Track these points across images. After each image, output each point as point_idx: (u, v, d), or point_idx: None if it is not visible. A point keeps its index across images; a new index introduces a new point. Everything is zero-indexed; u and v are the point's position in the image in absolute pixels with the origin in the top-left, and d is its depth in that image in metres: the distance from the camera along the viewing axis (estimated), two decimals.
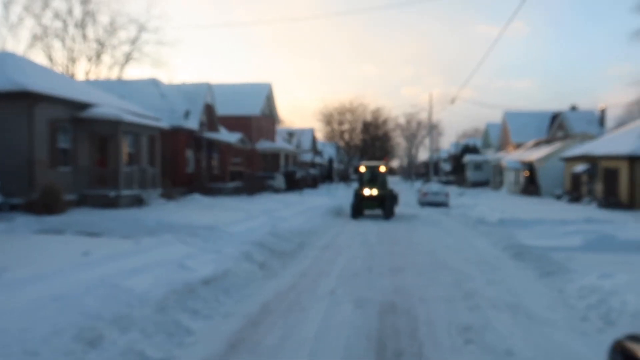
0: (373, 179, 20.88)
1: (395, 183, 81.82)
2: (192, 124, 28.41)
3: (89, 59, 47.21)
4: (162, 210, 17.25)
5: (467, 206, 25.62)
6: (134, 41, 48.71)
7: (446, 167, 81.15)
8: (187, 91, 30.75)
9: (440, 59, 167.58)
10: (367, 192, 20.07)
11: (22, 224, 13.27)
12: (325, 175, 68.45)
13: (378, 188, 20.23)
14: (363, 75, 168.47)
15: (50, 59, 45.76)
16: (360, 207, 20.01)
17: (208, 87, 31.26)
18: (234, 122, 40.34)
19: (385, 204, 19.77)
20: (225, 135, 31.59)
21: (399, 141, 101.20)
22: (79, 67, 47.50)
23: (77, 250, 8.74)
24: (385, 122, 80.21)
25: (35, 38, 42.80)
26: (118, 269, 7.39)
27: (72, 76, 39.34)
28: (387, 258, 10.56)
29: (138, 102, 26.35)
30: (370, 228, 16.43)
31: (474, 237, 14.51)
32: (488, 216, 19.06)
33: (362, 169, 21.47)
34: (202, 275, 7.33)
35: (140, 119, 19.81)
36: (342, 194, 36.94)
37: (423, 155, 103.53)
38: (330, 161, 72.92)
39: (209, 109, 31.97)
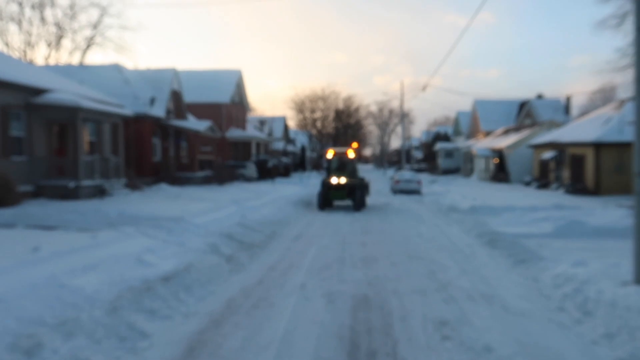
0: (341, 166, 19.50)
1: (367, 171, 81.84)
2: (158, 111, 27.42)
3: (49, 44, 45.20)
4: (126, 201, 16.51)
5: (439, 194, 25.63)
6: (95, 25, 46.84)
7: (418, 154, 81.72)
8: (153, 77, 29.63)
9: (411, 48, 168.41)
10: (334, 180, 18.38)
11: None
12: (297, 164, 67.89)
13: (347, 176, 18.70)
14: (334, 63, 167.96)
15: (7, 44, 43.66)
16: (327, 198, 18.45)
17: (174, 73, 30.21)
18: (204, 110, 39.35)
19: (355, 194, 18.16)
20: (194, 123, 30.69)
21: (371, 129, 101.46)
22: (38, 52, 45.39)
23: (26, 245, 8.07)
24: (357, 110, 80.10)
25: None
26: (69, 266, 6.80)
27: (30, 62, 37.56)
28: (359, 248, 10.24)
29: (100, 88, 25.22)
30: (342, 217, 16.12)
31: (446, 225, 14.36)
32: (460, 203, 19.01)
33: (329, 155, 19.98)
34: (162, 271, 6.83)
35: (101, 106, 18.88)
36: (314, 183, 36.53)
37: (395, 143, 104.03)
38: (303, 149, 72.32)
39: (175, 96, 30.96)
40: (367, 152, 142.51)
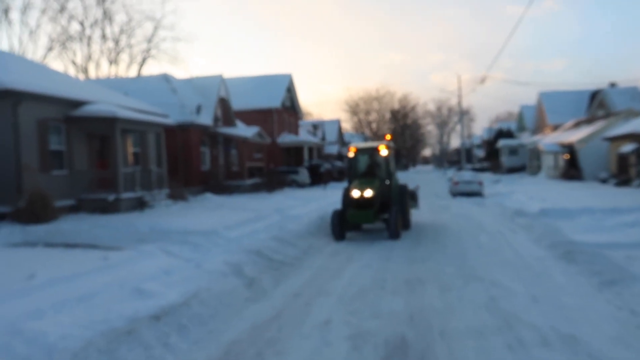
0: (370, 169, 13.24)
1: (426, 172, 79.21)
2: (205, 119, 27.03)
3: (109, 60, 46.81)
4: (164, 214, 15.84)
5: (502, 195, 23.39)
6: (150, 39, 48.06)
7: (480, 153, 77.89)
8: (200, 85, 29.38)
9: (470, 44, 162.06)
10: (356, 193, 11.95)
11: (3, 235, 12.06)
12: None
13: (377, 185, 12.28)
14: (390, 63, 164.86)
15: (74, 62, 45.56)
16: (344, 222, 11.98)
17: (221, 80, 29.79)
18: (254, 116, 38.94)
19: (390, 214, 11.78)
20: (241, 130, 30.11)
21: (430, 129, 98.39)
22: (99, 67, 46.98)
23: (26, 270, 7.28)
24: (413, 109, 77.66)
25: (54, 42, 42.54)
26: (52, 299, 5.86)
27: (85, 77, 38.76)
28: (405, 266, 8.74)
29: (147, 99, 25.12)
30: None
31: (511, 233, 12.48)
32: (527, 206, 16.89)
33: (351, 153, 13.39)
34: (158, 305, 5.72)
35: (141, 116, 18.45)
36: None
37: (456, 142, 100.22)
38: None
39: (223, 103, 30.55)
40: (427, 152, 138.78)
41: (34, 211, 13.55)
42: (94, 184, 17.06)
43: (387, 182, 12.99)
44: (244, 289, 7.26)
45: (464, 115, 76.06)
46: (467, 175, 27.76)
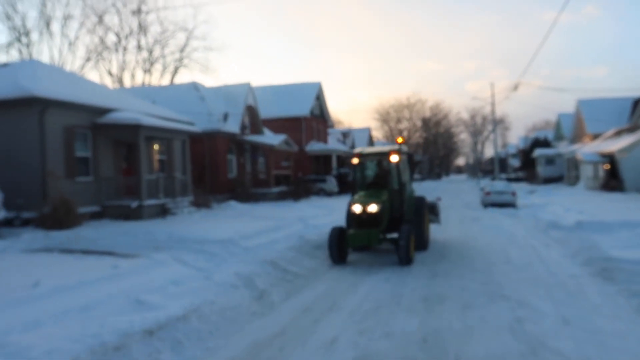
0: (378, 180, 11.45)
1: (460, 182, 77.56)
2: (232, 127, 27.07)
3: (143, 69, 47.87)
4: (184, 221, 15.73)
5: (537, 206, 22.38)
6: (183, 49, 48.91)
7: (515, 163, 75.82)
8: (228, 93, 29.50)
9: (506, 51, 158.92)
10: (357, 208, 10.11)
11: (25, 241, 12.12)
12: None
13: (383, 198, 10.25)
14: (423, 71, 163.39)
15: (110, 72, 46.80)
16: (341, 243, 10.00)
17: (249, 88, 29.84)
18: (283, 124, 38.88)
19: (401, 233, 9.56)
20: (268, 138, 30.01)
21: (463, 137, 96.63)
22: (133, 77, 48.09)
23: (33, 278, 7.14)
24: (445, 117, 76.35)
25: (91, 52, 43.80)
26: (50, 309, 5.66)
27: (131, 86, 39.65)
28: (426, 280, 8.22)
29: (176, 107, 25.33)
30: None
31: (544, 247, 11.74)
32: (562, 218, 15.98)
33: (356, 160, 11.38)
34: (155, 318, 5.43)
35: (166, 123, 18.50)
36: None
37: (490, 151, 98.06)
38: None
39: (251, 111, 30.58)
40: (461, 161, 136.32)
41: (57, 217, 13.63)
42: (119, 191, 17.16)
43: (399, 193, 10.81)
44: (252, 302, 6.92)
45: (498, 123, 74.26)
46: (499, 185, 26.80)
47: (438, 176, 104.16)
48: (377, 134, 74.51)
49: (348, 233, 9.97)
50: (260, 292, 7.44)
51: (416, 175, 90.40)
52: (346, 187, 37.03)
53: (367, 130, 66.99)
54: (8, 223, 13.88)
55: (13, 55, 39.01)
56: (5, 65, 17.74)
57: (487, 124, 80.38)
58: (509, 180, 48.92)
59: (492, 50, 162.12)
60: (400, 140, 11.80)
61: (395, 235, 10.28)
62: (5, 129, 14.63)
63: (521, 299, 6.89)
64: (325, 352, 4.99)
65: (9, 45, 39.34)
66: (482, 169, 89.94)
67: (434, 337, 5.35)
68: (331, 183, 35.75)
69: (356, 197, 10.62)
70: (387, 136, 71.91)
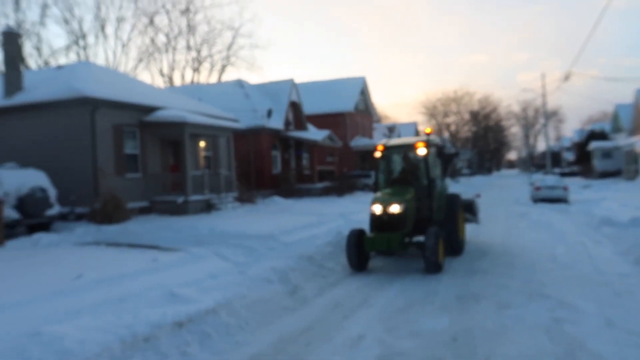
0: (403, 175, 10.07)
1: (511, 177, 75.01)
2: (276, 123, 27.36)
3: (192, 68, 49.23)
4: (227, 217, 16.05)
5: (591, 201, 21.30)
6: (229, 47, 49.86)
7: (569, 156, 72.54)
8: (272, 90, 29.84)
9: (559, 40, 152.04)
10: (377, 208, 8.90)
11: (78, 234, 12.78)
12: None
13: (407, 197, 9.00)
14: (471, 64, 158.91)
15: (161, 72, 48.47)
16: (360, 248, 8.83)
17: (293, 85, 30.05)
18: (327, 120, 38.92)
19: (427, 237, 8.37)
20: (311, 134, 30.12)
21: (514, 131, 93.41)
22: (183, 76, 49.54)
23: (77, 270, 7.51)
24: (495, 110, 74.01)
25: (142, 53, 45.46)
26: (88, 300, 5.95)
27: (181, 85, 40.89)
28: (462, 277, 7.99)
29: (222, 104, 25.92)
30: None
31: (594, 244, 11.14)
32: (617, 214, 15.13)
33: (379, 153, 10.11)
34: (186, 311, 5.55)
35: (210, 120, 18.91)
36: None
37: (544, 145, 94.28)
38: None
39: (294, 107, 30.79)
40: (512, 155, 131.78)
41: (106, 212, 14.25)
42: (166, 187, 17.73)
43: (427, 191, 9.47)
44: (284, 296, 6.96)
45: (551, 116, 71.29)
46: (550, 179, 25.70)
47: (488, 171, 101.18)
48: (424, 128, 73.54)
49: (365, 237, 8.73)
50: (293, 287, 7.47)
51: (465, 170, 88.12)
52: None
53: (414, 125, 66.03)
54: (63, 218, 14.65)
55: (71, 58, 41.09)
56: (60, 67, 18.69)
57: (539, 116, 77.27)
58: (563, 174, 46.84)
59: (544, 39, 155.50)
60: (428, 130, 10.06)
61: (422, 238, 8.95)
62: (59, 128, 15.42)
63: (563, 298, 6.57)
64: (349, 349, 4.95)
65: (68, 48, 41.44)
66: (534, 163, 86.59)
67: (464, 337, 5.20)
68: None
69: (377, 195, 9.25)
70: (435, 130, 70.47)
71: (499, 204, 22.85)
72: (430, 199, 9.53)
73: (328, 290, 7.53)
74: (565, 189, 23.69)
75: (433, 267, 8.23)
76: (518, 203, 23.95)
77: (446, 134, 69.46)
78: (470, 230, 13.60)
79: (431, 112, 67.76)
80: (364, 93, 44.91)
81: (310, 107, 37.29)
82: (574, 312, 5.95)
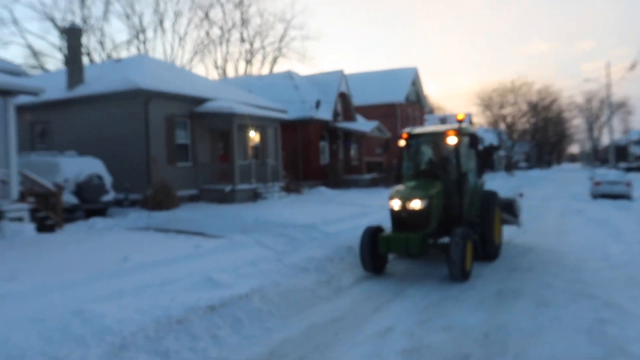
0: (430, 168, 9.01)
1: (573, 171, 71.48)
2: (325, 114, 27.41)
3: (245, 60, 50.13)
4: (272, 206, 16.30)
5: None
6: (281, 39, 50.31)
7: (637, 150, 68.27)
8: (321, 81, 29.89)
9: (629, 27, 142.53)
10: (396, 204, 7.93)
11: (130, 220, 13.37)
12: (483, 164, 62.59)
13: (432, 191, 7.92)
14: (531, 53, 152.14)
15: (216, 64, 49.71)
16: (372, 249, 7.86)
17: (342, 76, 29.94)
18: (377, 111, 38.58)
19: (452, 238, 7.31)
20: (360, 125, 29.95)
21: (577, 123, 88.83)
22: (236, 68, 50.54)
23: (127, 252, 7.90)
24: (555, 101, 70.55)
25: (198, 46, 46.74)
26: (136, 282, 6.26)
27: (234, 77, 41.81)
28: (504, 273, 7.75)
29: (272, 95, 26.29)
30: None
31: None
32: None
33: (403, 141, 9.09)
34: (220, 296, 5.73)
35: (258, 111, 19.23)
36: (497, 185, 32.66)
37: (609, 138, 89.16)
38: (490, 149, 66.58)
39: (343, 98, 30.70)
40: (574, 149, 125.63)
41: (157, 199, 14.85)
42: (214, 176, 18.23)
43: (457, 186, 8.29)
44: (319, 286, 7.02)
45: (619, 107, 67.20)
46: (611, 174, 24.33)
47: (548, 164, 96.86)
48: (479, 120, 70.99)
49: (380, 236, 7.67)
50: (330, 276, 7.53)
51: (522, 164, 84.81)
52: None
53: (468, 116, 64.16)
54: (118, 203, 15.41)
55: (132, 52, 42.84)
56: (118, 61, 19.55)
57: (604, 108, 73.04)
58: (629, 169, 44.20)
59: (612, 26, 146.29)
60: (461, 116, 8.61)
61: (443, 248, 7.89)
62: (116, 119, 16.18)
63: (609, 299, 6.24)
64: (377, 340, 4.94)
65: (129, 42, 43.25)
66: (598, 157, 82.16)
67: (497, 334, 5.06)
68: None
69: (398, 188, 8.17)
70: (490, 122, 68.15)
71: (555, 199, 21.92)
72: (461, 195, 8.29)
73: (364, 282, 7.52)
74: (628, 184, 22.36)
75: (457, 275, 7.09)
76: (575, 199, 22.86)
77: (502, 126, 66.90)
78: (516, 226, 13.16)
79: (486, 103, 65.33)
80: (416, 84, 44.12)
81: (360, 99, 37.09)
82: (620, 314, 5.65)
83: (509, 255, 9.20)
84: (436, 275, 7.80)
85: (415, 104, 44.21)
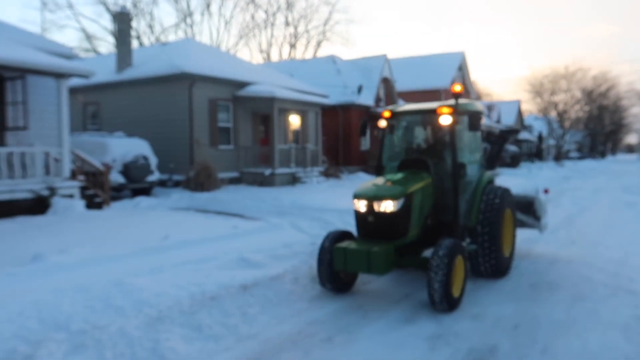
0: (419, 155, 7.02)
1: (628, 162, 68.02)
2: (367, 99, 27.22)
3: (289, 44, 50.28)
4: (310, 190, 16.46)
5: None
6: (325, 22, 50.07)
7: None
8: (364, 66, 29.64)
9: None
10: (360, 204, 5.91)
11: (173, 200, 13.87)
12: (532, 154, 60.61)
13: (414, 189, 5.91)
14: (589, 37, 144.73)
15: (260, 48, 50.14)
16: (330, 264, 5.83)
17: (385, 60, 29.57)
18: (420, 97, 37.89)
19: (435, 254, 5.36)
20: None
21: (636, 112, 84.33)
22: (280, 52, 50.76)
23: (168, 231, 8.23)
24: (612, 88, 67.10)
25: (243, 30, 47.24)
26: (176, 259, 6.56)
27: (278, 61, 42.05)
28: (541, 264, 7.56)
29: (314, 80, 26.32)
30: None
31: None
32: None
33: (383, 122, 7.14)
34: (253, 276, 5.90)
35: (298, 95, 19.33)
36: (546, 175, 31.63)
37: None
38: (540, 137, 64.27)
39: (386, 83, 30.35)
40: (632, 139, 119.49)
41: (199, 181, 15.29)
42: (255, 159, 18.55)
43: (452, 180, 6.33)
44: None
45: None
46: None
47: (602, 155, 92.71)
48: (529, 107, 68.58)
49: (335, 247, 5.70)
50: None
51: (574, 154, 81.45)
52: (487, 163, 35.09)
53: (517, 103, 62.05)
54: (162, 184, 15.97)
55: (179, 35, 43.77)
56: (164, 44, 20.06)
57: None
58: None
59: None
60: (458, 88, 6.46)
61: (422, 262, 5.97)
62: (161, 101, 16.68)
63: None
64: (404, 325, 4.98)
65: (176, 26, 44.18)
66: None
67: (527, 325, 4.98)
68: None
69: (366, 183, 6.22)
70: (542, 110, 65.64)
71: (605, 191, 21.02)
72: (456, 193, 6.27)
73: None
74: None
75: (439, 302, 5.23)
76: (628, 191, 21.82)
77: (553, 114, 64.36)
78: (561, 215, 12.80)
79: (537, 90, 62.96)
80: (462, 69, 43.02)
81: (403, 84, 36.57)
82: None
83: (549, 249, 8.95)
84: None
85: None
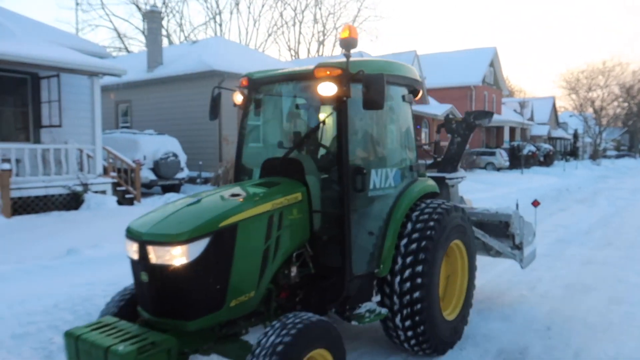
0: (288, 152, 4.01)
1: None
2: None
3: (318, 41, 50.36)
4: None
5: None
6: (354, 19, 49.84)
7: None
8: None
9: None
10: (131, 248, 3.09)
11: None
12: (567, 152, 58.90)
13: (261, 216, 3.22)
14: (630, 31, 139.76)
15: (288, 46, 50.41)
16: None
17: (414, 56, 29.31)
18: (451, 94, 37.43)
19: (261, 344, 2.70)
20: (431, 107, 29.23)
21: None
22: (308, 50, 50.84)
23: None
24: None
25: (271, 28, 47.53)
26: None
27: (307, 59, 42.18)
28: (575, 265, 7.31)
29: None
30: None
31: None
32: None
33: (239, 96, 4.62)
34: None
35: None
36: (581, 174, 30.72)
37: None
38: (575, 135, 62.42)
39: None
40: None
41: (227, 178, 15.40)
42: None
43: (339, 196, 3.66)
44: None
45: None
46: None
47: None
48: (564, 103, 66.78)
49: (65, 334, 3.01)
50: None
51: (611, 152, 78.72)
52: (518, 161, 34.29)
53: (551, 100, 60.43)
54: (191, 181, 16.19)
55: (209, 34, 44.35)
56: (194, 42, 20.33)
57: None
58: None
59: None
60: (345, 34, 3.46)
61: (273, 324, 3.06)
62: (191, 99, 16.91)
63: None
64: None
65: (206, 24, 44.76)
66: None
67: (560, 328, 4.81)
68: (501, 156, 33.58)
69: (150, 213, 3.49)
70: (576, 106, 63.72)
71: (635, 192, 20.26)
72: (343, 219, 3.64)
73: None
74: None
75: None
76: None
77: (589, 111, 62.40)
78: (597, 215, 12.41)
79: (572, 86, 61.14)
80: (494, 65, 42.19)
81: (433, 80, 36.08)
82: None
83: (586, 247, 8.67)
84: (499, 264, 7.52)
85: (492, 87, 42.34)
